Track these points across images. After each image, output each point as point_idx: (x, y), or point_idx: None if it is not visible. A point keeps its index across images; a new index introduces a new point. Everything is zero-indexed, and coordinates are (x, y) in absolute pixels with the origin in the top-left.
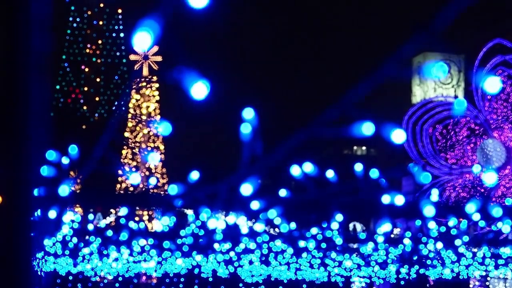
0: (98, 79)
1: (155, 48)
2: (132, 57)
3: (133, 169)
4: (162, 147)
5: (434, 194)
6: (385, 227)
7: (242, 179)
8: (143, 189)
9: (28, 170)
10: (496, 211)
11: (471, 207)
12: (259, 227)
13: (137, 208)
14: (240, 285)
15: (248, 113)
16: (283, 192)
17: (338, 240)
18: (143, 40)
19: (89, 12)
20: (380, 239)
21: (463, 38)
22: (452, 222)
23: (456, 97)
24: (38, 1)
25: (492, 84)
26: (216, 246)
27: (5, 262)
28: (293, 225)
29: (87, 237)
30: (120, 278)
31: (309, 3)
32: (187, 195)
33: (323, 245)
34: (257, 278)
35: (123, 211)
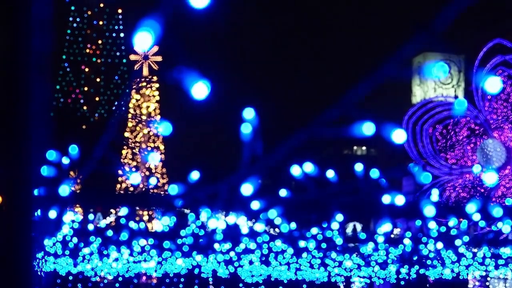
0: (98, 79)
1: (155, 48)
2: (132, 57)
3: (133, 169)
4: (162, 147)
5: (434, 194)
6: (386, 227)
7: (243, 179)
8: (143, 189)
9: (28, 170)
10: (497, 211)
11: (471, 207)
12: (259, 227)
13: (137, 208)
14: (240, 285)
15: (249, 113)
16: (283, 192)
17: (339, 240)
18: (144, 40)
19: (89, 12)
20: (380, 239)
21: (463, 38)
22: (452, 222)
23: (456, 97)
24: (39, 1)
25: (493, 84)
26: (216, 246)
27: (5, 262)
28: (293, 225)
29: (90, 237)
30: (120, 278)
31: (309, 3)
32: (187, 195)
33: (323, 245)
34: (257, 278)
35: (124, 211)
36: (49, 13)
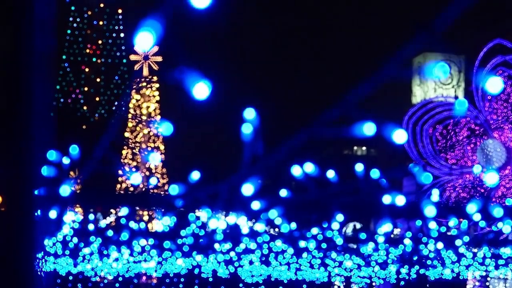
0: (98, 79)
1: (155, 48)
2: (132, 57)
3: (133, 169)
4: (162, 147)
5: (435, 195)
6: (386, 227)
7: (243, 179)
8: (143, 189)
9: (29, 170)
10: (497, 212)
11: (472, 208)
12: (259, 227)
13: (137, 208)
14: (240, 285)
15: (249, 113)
16: (283, 192)
17: (339, 240)
18: (145, 40)
19: (89, 12)
20: (381, 239)
21: (463, 38)
22: (452, 222)
23: (456, 97)
24: (41, 2)
25: (494, 85)
26: (216, 246)
27: (7, 262)
28: (293, 225)
29: (90, 237)
30: (120, 278)
31: (309, 3)
32: (187, 195)
33: (324, 245)
34: (257, 278)
35: (124, 211)
36: (51, 14)
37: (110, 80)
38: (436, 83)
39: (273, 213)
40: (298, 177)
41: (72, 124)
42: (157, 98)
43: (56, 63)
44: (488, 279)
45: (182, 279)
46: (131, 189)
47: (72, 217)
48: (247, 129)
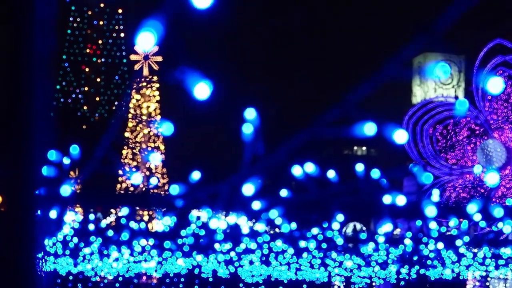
0: (98, 79)
1: (156, 48)
2: (133, 57)
3: (134, 169)
4: (162, 147)
5: (435, 195)
6: (386, 227)
7: (244, 179)
8: (144, 189)
9: (30, 170)
10: (498, 212)
11: (472, 208)
12: (260, 227)
13: (137, 208)
14: (241, 285)
15: (250, 113)
16: (284, 192)
17: (339, 241)
18: (147, 40)
19: (90, 12)
20: (381, 239)
21: (464, 38)
22: (453, 222)
23: (456, 97)
24: (41, 2)
25: (495, 85)
26: (216, 246)
27: (7, 262)
28: (294, 225)
29: (90, 237)
30: (120, 278)
31: (309, 3)
32: (188, 195)
33: (324, 245)
34: (257, 278)
35: (124, 211)
36: (51, 14)
37: (110, 80)
38: (436, 83)
39: (273, 213)
40: (298, 177)
41: (72, 124)
42: (157, 98)
43: (56, 63)
44: (488, 279)
45: (182, 279)
46: (131, 189)
47: (72, 217)
48: (247, 129)
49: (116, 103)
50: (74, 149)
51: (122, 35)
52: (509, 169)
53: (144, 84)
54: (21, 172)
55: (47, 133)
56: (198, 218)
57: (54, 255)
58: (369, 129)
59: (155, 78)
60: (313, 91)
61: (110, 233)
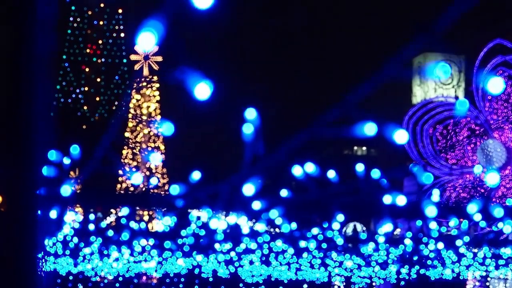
0: (98, 79)
1: (156, 48)
2: (133, 57)
3: (134, 169)
4: (162, 147)
5: (435, 195)
6: (386, 227)
7: (244, 179)
8: (143, 189)
9: (30, 170)
10: (498, 212)
11: (472, 208)
12: (260, 227)
13: (138, 208)
14: (241, 285)
15: (250, 113)
16: (284, 192)
17: (339, 241)
18: (147, 40)
19: (90, 12)
20: (381, 239)
21: (464, 38)
22: (453, 222)
23: (456, 97)
24: (41, 2)
25: (495, 85)
26: (217, 246)
27: (7, 262)
28: (294, 225)
29: (90, 237)
30: (120, 278)
31: (310, 3)
32: (188, 195)
33: (324, 245)
34: (257, 278)
35: (124, 211)
36: (51, 14)
37: (110, 80)
38: (437, 83)
39: (273, 213)
40: (298, 177)
41: (72, 124)
42: (158, 98)
43: (56, 63)
44: (488, 279)
45: (182, 279)
46: (132, 189)
47: (72, 217)
48: (247, 129)
49: (116, 103)
50: (74, 149)
51: (122, 35)
52: (509, 169)
53: (144, 84)
54: (21, 172)
55: (47, 133)
56: (198, 218)
57: (54, 255)
58: (369, 129)
59: (155, 78)
60: (313, 91)
61: (110, 233)
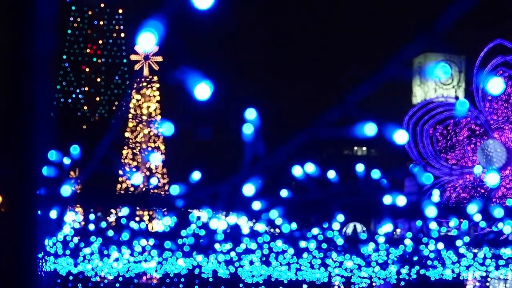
0: (98, 79)
1: (156, 48)
2: (133, 57)
3: (134, 169)
4: (162, 147)
5: (435, 195)
6: (387, 227)
7: (244, 180)
8: (144, 189)
9: (30, 170)
10: (498, 212)
11: (472, 208)
12: (260, 227)
13: (138, 208)
14: (241, 285)
15: (250, 114)
16: (284, 193)
17: (339, 241)
18: (148, 40)
19: (90, 12)
20: (381, 239)
21: (464, 38)
22: (453, 222)
23: (456, 97)
24: (41, 2)
25: (495, 85)
26: (217, 246)
27: (7, 262)
28: (294, 226)
29: (90, 237)
30: (120, 278)
31: (309, 3)
32: (188, 196)
33: (324, 246)
34: (257, 279)
35: (124, 211)
36: (52, 14)
37: (110, 80)
38: (437, 83)
39: (273, 213)
40: (298, 177)
41: (72, 124)
42: (158, 98)
43: (56, 63)
44: (489, 279)
45: (182, 279)
46: (132, 189)
47: (72, 217)
48: (248, 129)
49: (116, 103)
50: (75, 149)
51: (122, 35)
52: (509, 169)
53: (145, 84)
54: (21, 172)
55: (47, 133)
56: (198, 218)
57: (54, 255)
58: (369, 129)
59: (155, 78)
60: (313, 91)
61: (110, 233)
